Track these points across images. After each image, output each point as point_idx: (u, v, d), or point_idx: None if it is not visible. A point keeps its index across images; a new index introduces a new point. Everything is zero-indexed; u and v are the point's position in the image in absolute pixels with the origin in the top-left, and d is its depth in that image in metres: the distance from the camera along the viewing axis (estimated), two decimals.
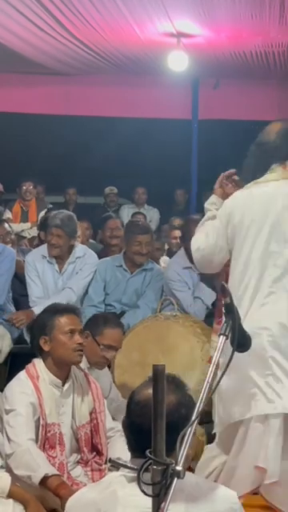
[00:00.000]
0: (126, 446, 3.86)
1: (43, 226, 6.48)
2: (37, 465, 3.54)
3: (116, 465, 2.17)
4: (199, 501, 2.14)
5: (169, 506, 1.79)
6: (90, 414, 3.95)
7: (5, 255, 5.72)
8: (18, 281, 5.99)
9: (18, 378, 3.89)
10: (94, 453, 3.96)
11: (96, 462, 3.93)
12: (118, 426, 4.07)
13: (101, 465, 3.93)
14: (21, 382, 3.83)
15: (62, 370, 3.91)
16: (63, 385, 3.89)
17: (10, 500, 3.43)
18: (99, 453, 3.95)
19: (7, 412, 3.73)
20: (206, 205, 3.95)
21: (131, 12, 7.28)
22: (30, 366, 3.92)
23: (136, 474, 1.90)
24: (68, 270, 5.92)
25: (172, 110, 10.34)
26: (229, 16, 7.40)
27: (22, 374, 3.88)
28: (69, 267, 5.92)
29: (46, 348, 3.89)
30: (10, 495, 3.43)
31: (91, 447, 3.95)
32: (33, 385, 3.79)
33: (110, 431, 4.05)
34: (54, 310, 4.03)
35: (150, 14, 7.39)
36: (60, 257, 5.91)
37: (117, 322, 4.75)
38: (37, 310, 5.36)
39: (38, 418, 3.73)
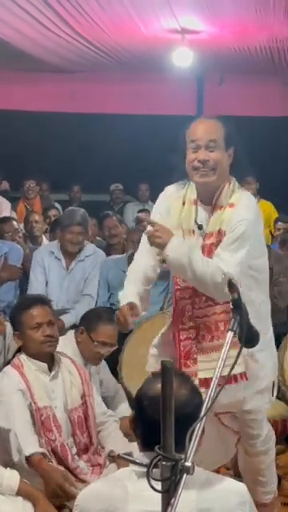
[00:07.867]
0: (123, 438, 3.92)
1: (54, 226, 6.57)
2: (24, 445, 3.57)
3: (125, 460, 2.16)
4: (210, 495, 2.14)
5: (179, 501, 1.78)
6: (82, 397, 3.95)
7: (13, 253, 5.74)
8: (25, 278, 6.00)
9: (3, 372, 3.91)
10: (88, 441, 3.93)
11: (94, 454, 3.92)
12: (109, 410, 4.16)
13: (99, 454, 3.93)
14: (6, 375, 3.84)
15: (42, 358, 3.91)
16: (50, 370, 3.89)
17: (19, 497, 3.43)
18: (90, 439, 3.94)
19: None
20: None
21: (135, 9, 7.27)
22: (14, 359, 3.93)
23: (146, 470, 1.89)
24: (76, 268, 5.92)
25: (177, 106, 10.33)
26: (233, 11, 7.39)
27: (7, 368, 3.91)
28: (77, 265, 5.93)
29: (18, 343, 3.93)
30: (19, 493, 3.43)
31: (84, 431, 3.93)
32: (18, 373, 3.80)
33: (102, 416, 4.05)
34: (22, 305, 4.05)
35: (154, 11, 7.39)
36: (70, 253, 5.94)
37: (110, 317, 4.56)
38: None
39: (30, 404, 3.73)
